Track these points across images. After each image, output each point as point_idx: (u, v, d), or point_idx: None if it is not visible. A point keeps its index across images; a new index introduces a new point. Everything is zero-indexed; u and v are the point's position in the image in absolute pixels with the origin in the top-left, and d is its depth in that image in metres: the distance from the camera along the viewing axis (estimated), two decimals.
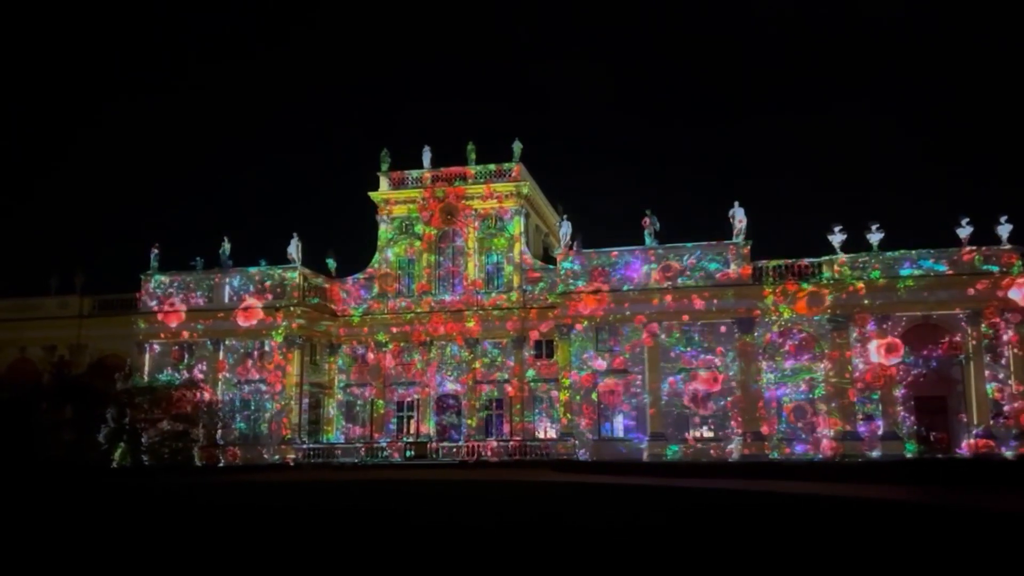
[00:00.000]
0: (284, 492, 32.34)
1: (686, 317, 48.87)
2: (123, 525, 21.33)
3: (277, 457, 51.10)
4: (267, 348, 53.93)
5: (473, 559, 15.19)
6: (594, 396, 50.27)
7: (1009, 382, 45.56)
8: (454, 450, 50.55)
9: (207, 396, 51.77)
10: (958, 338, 46.80)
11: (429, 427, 54.17)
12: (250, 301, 52.05)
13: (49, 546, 17.48)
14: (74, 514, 24.67)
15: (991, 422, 44.82)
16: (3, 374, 57.98)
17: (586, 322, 50.10)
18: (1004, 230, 45.80)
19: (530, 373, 53.85)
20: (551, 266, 53.99)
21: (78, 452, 47.05)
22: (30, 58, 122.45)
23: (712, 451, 47.44)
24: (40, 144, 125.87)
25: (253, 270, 54.29)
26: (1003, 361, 45.88)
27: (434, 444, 51.60)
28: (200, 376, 53.26)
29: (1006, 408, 45.05)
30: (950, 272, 46.01)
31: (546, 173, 68.45)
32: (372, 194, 57.46)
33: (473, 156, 56.46)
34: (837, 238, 47.26)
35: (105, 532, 19.90)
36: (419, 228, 56.74)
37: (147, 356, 54.61)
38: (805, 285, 46.93)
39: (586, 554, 15.56)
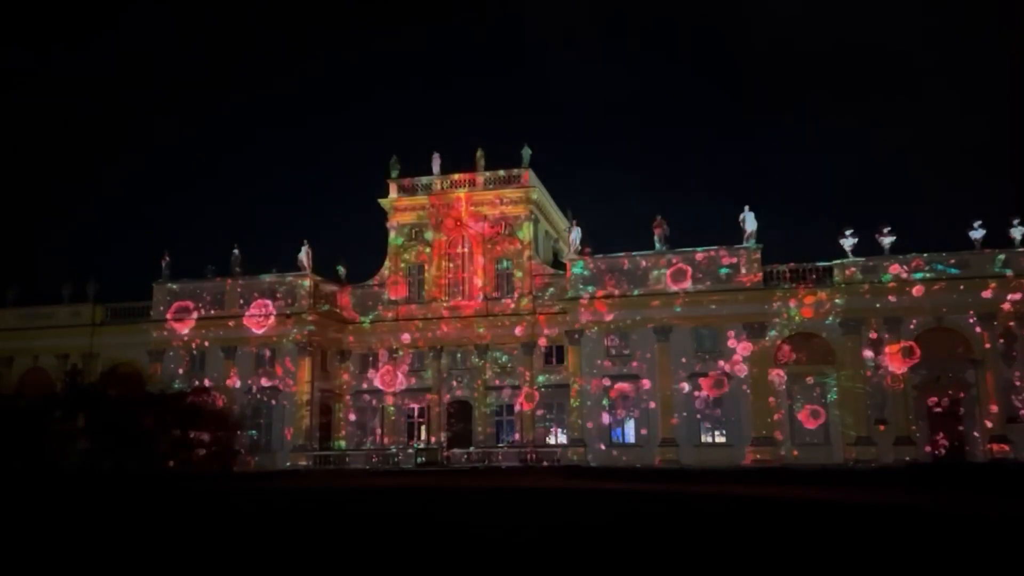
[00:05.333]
0: (298, 499, 32.36)
1: (697, 322, 48.68)
2: (145, 533, 21.41)
3: (289, 464, 51.25)
4: (278, 355, 54.09)
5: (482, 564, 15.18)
6: (604, 402, 50.02)
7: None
8: (464, 457, 50.49)
9: (219, 403, 51.89)
10: (971, 341, 46.36)
11: (439, 434, 54.16)
12: (261, 308, 52.15)
13: (79, 555, 17.58)
14: (93, 522, 24.78)
15: (1006, 426, 44.40)
16: (17, 383, 58.33)
17: (596, 328, 49.95)
18: (1017, 232, 45.48)
19: (540, 379, 53.69)
20: (561, 271, 53.88)
21: (91, 461, 47.18)
22: (41, 64, 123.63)
23: (723, 457, 47.12)
24: (52, 153, 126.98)
25: (264, 278, 54.52)
26: (1018, 364, 45.46)
27: (445, 451, 51.55)
28: (212, 383, 53.43)
29: (1021, 412, 44.64)
30: (963, 275, 45.66)
31: (555, 179, 68.44)
32: (382, 201, 57.53)
33: (482, 162, 56.44)
34: (848, 242, 47.01)
35: (126, 539, 19.97)
36: (429, 234, 56.76)
37: (159, 364, 54.97)
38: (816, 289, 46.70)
39: (592, 559, 15.51)
